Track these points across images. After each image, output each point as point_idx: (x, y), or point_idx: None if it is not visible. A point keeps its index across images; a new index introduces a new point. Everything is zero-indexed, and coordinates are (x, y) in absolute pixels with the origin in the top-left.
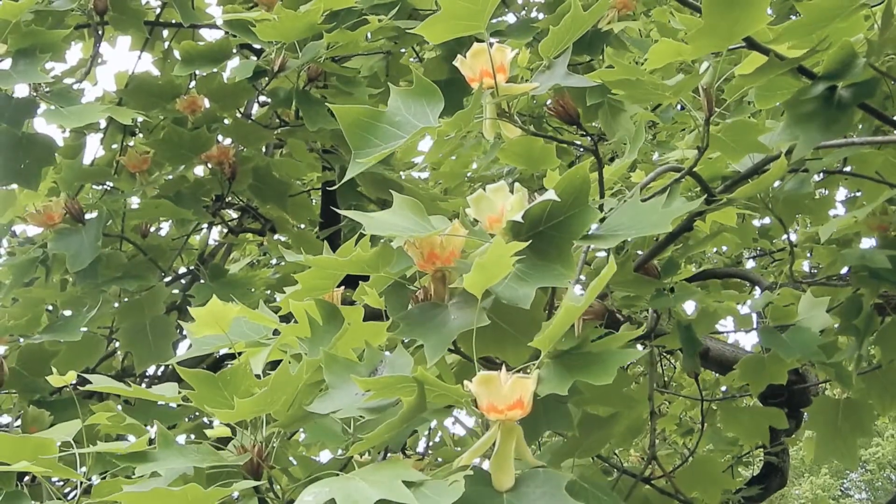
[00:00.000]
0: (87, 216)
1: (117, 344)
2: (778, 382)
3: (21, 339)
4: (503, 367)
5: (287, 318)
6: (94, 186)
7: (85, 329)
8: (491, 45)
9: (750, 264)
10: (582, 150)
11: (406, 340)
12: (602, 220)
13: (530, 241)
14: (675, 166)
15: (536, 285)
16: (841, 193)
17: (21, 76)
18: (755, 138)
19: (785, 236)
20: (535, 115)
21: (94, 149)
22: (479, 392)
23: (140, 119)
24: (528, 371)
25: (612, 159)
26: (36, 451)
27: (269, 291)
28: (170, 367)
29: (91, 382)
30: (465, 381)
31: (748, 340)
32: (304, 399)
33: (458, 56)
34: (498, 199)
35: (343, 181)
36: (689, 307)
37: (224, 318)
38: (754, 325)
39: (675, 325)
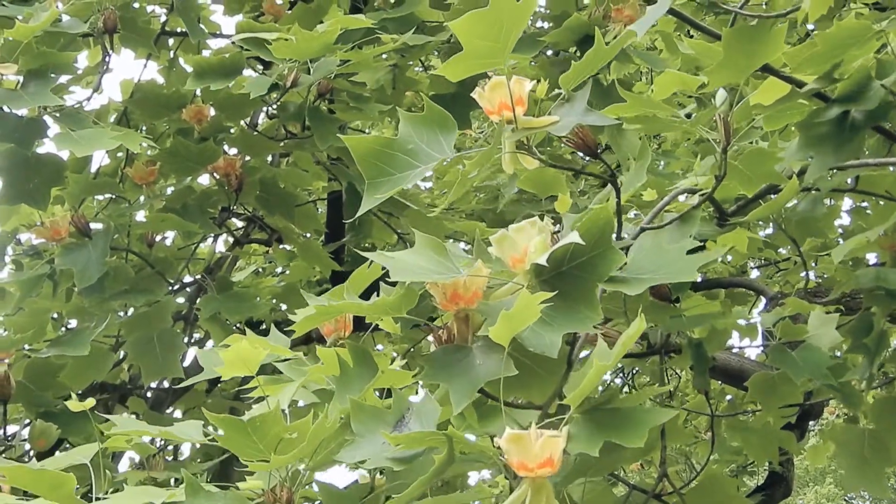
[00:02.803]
0: (93, 226)
1: (123, 354)
2: (791, 403)
3: (27, 350)
4: (532, 424)
5: (308, 338)
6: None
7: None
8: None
9: (754, 274)
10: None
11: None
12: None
13: (553, 283)
14: (689, 188)
15: (563, 331)
16: (846, 203)
17: (32, 98)
18: (771, 167)
19: (784, 252)
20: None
21: (98, 157)
22: (509, 449)
23: (146, 130)
24: (554, 422)
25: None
26: (54, 488)
27: (273, 300)
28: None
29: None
30: (495, 438)
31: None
32: (332, 442)
33: (477, 88)
34: (521, 240)
35: (360, 213)
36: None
37: (252, 360)
38: (759, 337)
39: (685, 342)
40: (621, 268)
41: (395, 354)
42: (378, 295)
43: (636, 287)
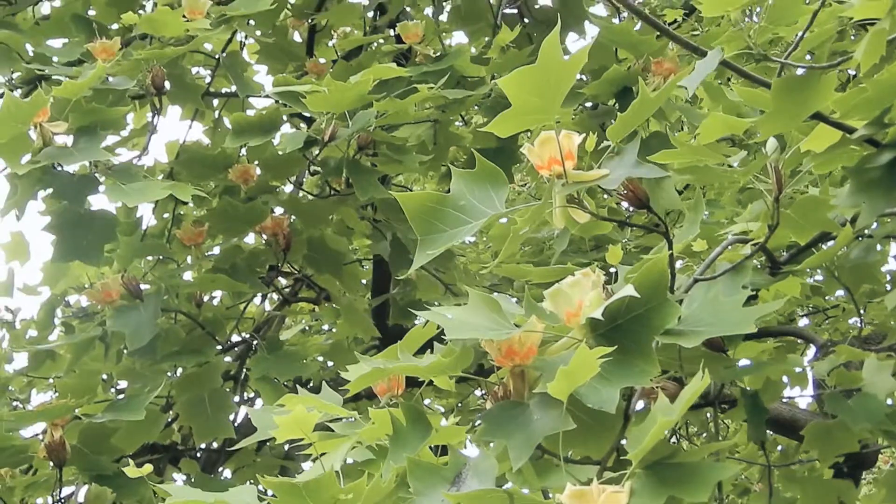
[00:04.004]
0: (142, 286)
1: (174, 415)
2: (848, 451)
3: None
4: (594, 480)
5: (356, 395)
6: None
7: None
8: (558, 132)
9: (803, 321)
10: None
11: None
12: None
13: (609, 337)
14: (740, 238)
15: (620, 385)
16: (893, 247)
17: (83, 154)
18: (824, 215)
19: (832, 298)
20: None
21: (146, 217)
22: None
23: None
24: (614, 477)
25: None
26: None
27: (321, 358)
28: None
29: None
30: (557, 495)
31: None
32: (388, 502)
33: (526, 144)
34: (575, 294)
35: (412, 269)
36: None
37: (307, 422)
38: (811, 385)
39: (739, 392)
40: (677, 320)
41: (441, 409)
42: (432, 351)
43: (693, 340)
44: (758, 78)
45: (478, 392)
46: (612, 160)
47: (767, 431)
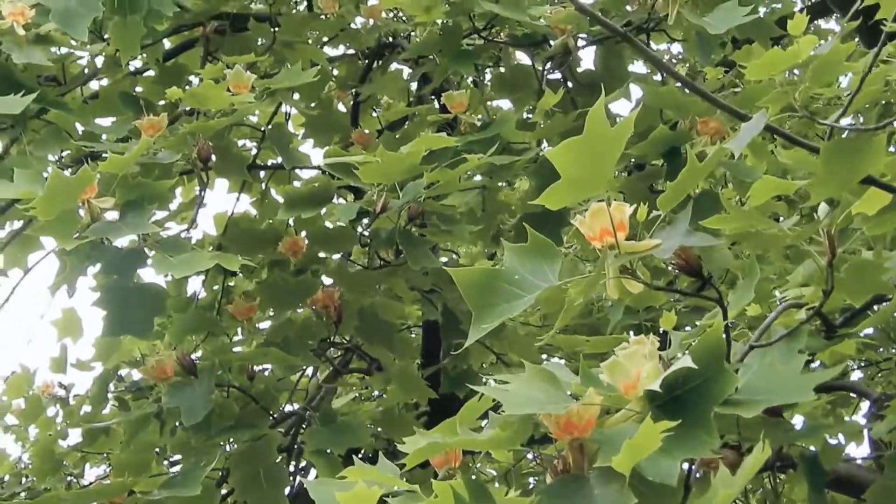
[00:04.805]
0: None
1: (228, 488)
2: None
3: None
4: None
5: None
6: None
7: None
8: (609, 203)
9: (856, 375)
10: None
11: None
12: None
13: (668, 408)
14: (795, 303)
15: (681, 457)
16: None
17: (130, 228)
18: (879, 278)
19: (884, 351)
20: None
21: (194, 289)
22: None
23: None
24: None
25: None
26: None
27: (371, 425)
28: None
29: None
30: None
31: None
32: None
33: (578, 216)
34: (632, 365)
35: (467, 343)
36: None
37: (370, 499)
38: (866, 441)
39: (798, 455)
40: (735, 389)
41: (493, 472)
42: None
43: (752, 409)
44: (804, 142)
45: (530, 455)
46: (664, 229)
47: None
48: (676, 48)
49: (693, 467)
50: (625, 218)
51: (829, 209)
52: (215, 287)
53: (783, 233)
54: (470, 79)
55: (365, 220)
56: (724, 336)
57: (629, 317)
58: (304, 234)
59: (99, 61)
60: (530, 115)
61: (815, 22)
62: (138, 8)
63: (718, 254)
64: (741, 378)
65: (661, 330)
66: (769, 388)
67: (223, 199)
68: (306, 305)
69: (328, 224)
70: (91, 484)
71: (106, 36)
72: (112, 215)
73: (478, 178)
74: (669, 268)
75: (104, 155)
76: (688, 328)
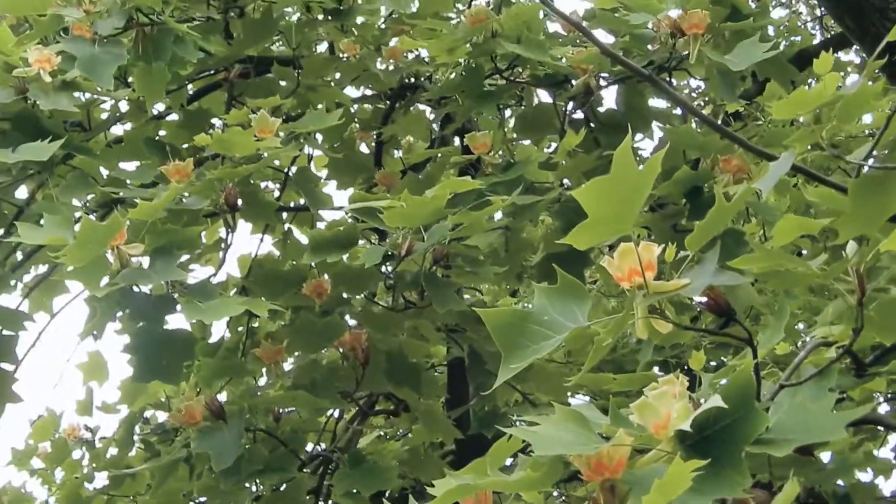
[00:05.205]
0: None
1: None
2: None
3: None
4: None
5: None
6: None
7: None
8: (637, 243)
9: (883, 408)
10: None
11: None
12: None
13: (698, 448)
14: (824, 341)
15: (712, 497)
16: None
17: (160, 275)
18: None
19: None
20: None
21: (218, 331)
22: None
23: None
24: None
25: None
26: None
27: (396, 463)
28: None
29: None
30: None
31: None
32: None
33: (605, 256)
34: (662, 406)
35: (496, 383)
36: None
37: None
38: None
39: (830, 492)
40: (766, 428)
41: None
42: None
43: (783, 448)
44: (832, 182)
45: (556, 493)
46: (692, 268)
47: None
48: (695, 81)
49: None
50: (653, 258)
51: (858, 247)
52: (240, 328)
53: (812, 272)
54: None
55: (391, 264)
56: (753, 375)
57: (654, 353)
58: (326, 275)
59: (123, 106)
60: (553, 154)
61: (835, 54)
62: (163, 54)
63: (743, 291)
64: (772, 417)
65: (685, 366)
66: (800, 427)
67: (246, 240)
68: (333, 347)
69: (353, 264)
70: None
71: (130, 80)
72: (141, 261)
73: (498, 214)
74: (693, 302)
75: (129, 200)
76: (713, 363)
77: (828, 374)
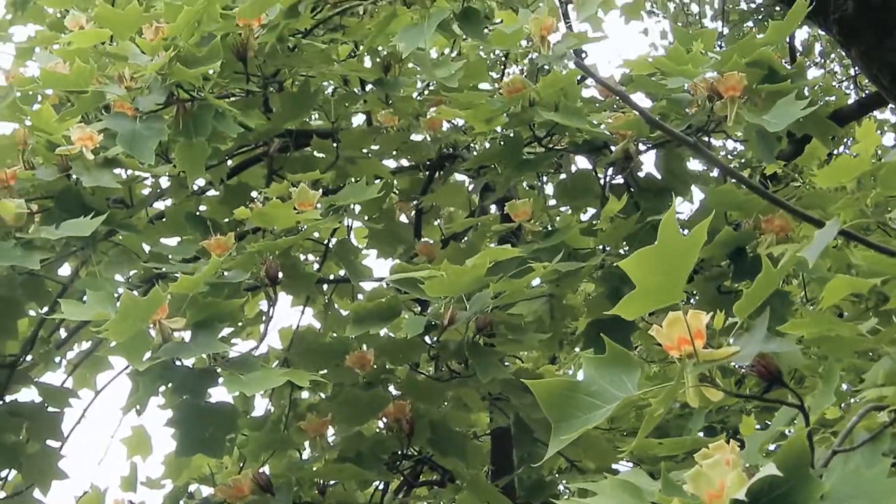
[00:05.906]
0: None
1: None
2: None
3: None
4: None
5: None
6: None
7: None
8: (686, 312)
9: None
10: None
11: None
12: None
13: None
14: (875, 405)
15: None
16: None
17: (201, 348)
18: None
19: None
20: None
21: (260, 404)
22: None
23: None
24: None
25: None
26: None
27: None
28: None
29: None
30: None
31: None
32: None
33: (654, 326)
34: (716, 475)
35: (548, 454)
36: None
37: None
38: None
39: None
40: (820, 496)
41: None
42: None
43: None
44: (881, 246)
45: None
46: (742, 336)
47: None
48: (731, 143)
49: None
50: (702, 326)
51: None
52: (282, 402)
53: (863, 337)
54: (527, 184)
55: (434, 334)
56: (807, 442)
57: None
58: (365, 346)
59: (164, 182)
60: (595, 220)
61: (871, 113)
62: (203, 130)
63: (790, 354)
64: (826, 484)
65: (731, 431)
66: (855, 493)
67: (287, 313)
68: (378, 419)
69: (394, 334)
70: None
71: (171, 156)
72: (182, 335)
73: (536, 280)
74: (737, 366)
75: (172, 275)
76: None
77: (881, 438)
